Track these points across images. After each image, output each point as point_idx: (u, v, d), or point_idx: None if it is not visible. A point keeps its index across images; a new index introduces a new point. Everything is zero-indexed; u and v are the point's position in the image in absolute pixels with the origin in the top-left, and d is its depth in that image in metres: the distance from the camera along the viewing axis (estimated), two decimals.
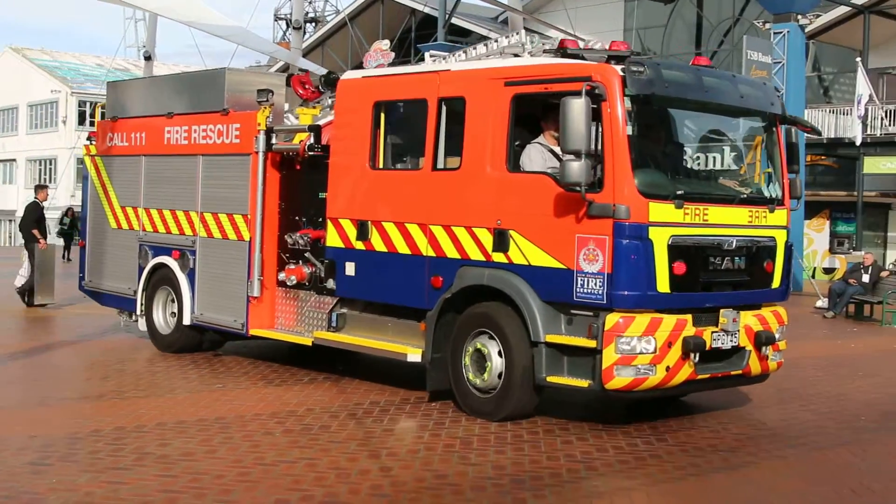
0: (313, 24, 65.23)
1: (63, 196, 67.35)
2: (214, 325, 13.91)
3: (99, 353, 14.91)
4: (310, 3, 67.61)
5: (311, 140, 12.61)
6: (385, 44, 41.85)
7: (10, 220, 75.56)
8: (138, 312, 14.96)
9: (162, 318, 14.74)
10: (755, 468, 9.19)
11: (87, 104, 69.81)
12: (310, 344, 12.48)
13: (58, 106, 71.50)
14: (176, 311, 14.40)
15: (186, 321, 14.12)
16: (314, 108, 13.76)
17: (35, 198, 21.59)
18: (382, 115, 11.85)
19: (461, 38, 44.20)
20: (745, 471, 9.08)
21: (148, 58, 43.46)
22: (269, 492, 7.83)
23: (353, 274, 11.97)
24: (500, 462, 8.92)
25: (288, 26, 56.38)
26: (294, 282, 12.74)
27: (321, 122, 13.03)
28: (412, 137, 11.72)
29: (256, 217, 13.12)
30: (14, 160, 76.97)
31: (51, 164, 72.23)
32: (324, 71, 38.30)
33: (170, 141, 14.50)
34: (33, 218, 21.14)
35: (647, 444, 9.75)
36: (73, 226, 38.84)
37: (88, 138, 16.36)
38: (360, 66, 41.15)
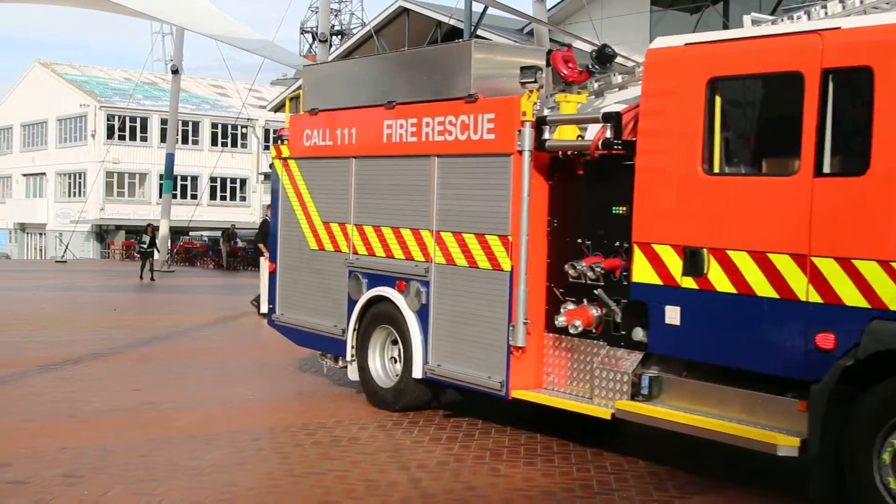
0: (339, 36, 65.54)
1: (93, 210, 67.87)
2: (458, 382, 10.58)
3: (131, 364, 14.95)
4: (336, 16, 68.02)
5: (608, 134, 9.36)
6: None
7: (41, 234, 76.12)
8: (347, 357, 11.95)
9: (380, 367, 11.70)
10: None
11: (116, 118, 70.36)
12: (608, 417, 9.17)
13: (86, 120, 72.00)
14: (400, 357, 11.39)
15: (416, 374, 10.93)
16: (579, 93, 10.63)
17: (266, 215, 22.14)
18: (719, 98, 8.65)
19: None
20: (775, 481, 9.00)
21: (175, 71, 43.89)
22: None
23: (676, 323, 8.75)
24: (531, 474, 8.87)
25: (314, 39, 56.70)
26: (579, 328, 9.55)
27: (620, 111, 9.75)
28: (773, 128, 8.72)
29: (521, 239, 9.89)
30: (44, 174, 77.55)
31: (80, 177, 72.71)
32: None
33: (391, 138, 11.39)
34: (263, 232, 21.93)
35: (678, 455, 9.68)
36: (152, 244, 36.54)
37: (277, 138, 13.46)
38: None
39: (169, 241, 44.65)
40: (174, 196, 49.32)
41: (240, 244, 47.66)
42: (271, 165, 13.59)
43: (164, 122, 62.98)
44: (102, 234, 71.63)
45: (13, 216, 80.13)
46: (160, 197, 50.64)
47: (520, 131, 9.88)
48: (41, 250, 76.35)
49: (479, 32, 42.39)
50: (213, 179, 70.37)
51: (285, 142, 13.17)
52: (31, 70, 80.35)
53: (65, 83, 75.17)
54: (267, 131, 75.88)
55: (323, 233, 12.49)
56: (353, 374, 12.00)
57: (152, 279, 35.11)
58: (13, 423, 10.49)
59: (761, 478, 9.03)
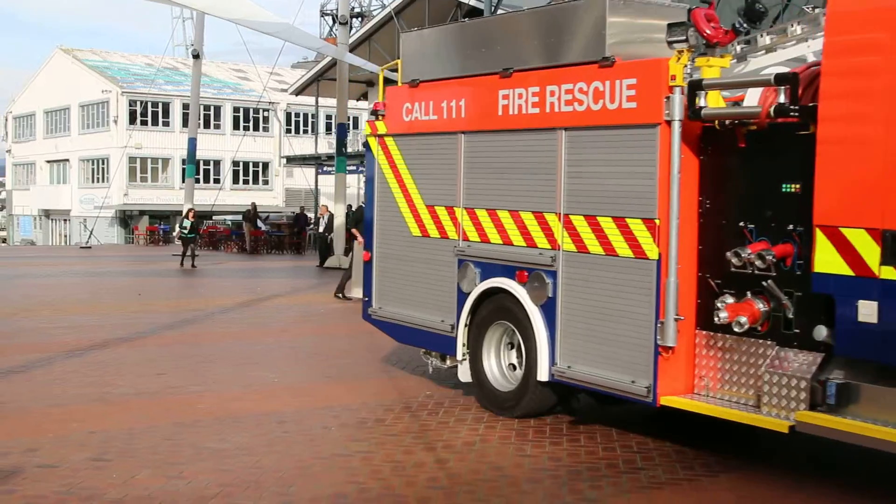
0: (359, 18, 65.36)
1: (117, 195, 68.14)
2: (593, 386, 9.30)
3: (154, 348, 15.03)
4: None
5: (781, 99, 8.07)
6: None
7: (66, 220, 76.50)
8: (458, 356, 10.78)
9: (496, 367, 10.57)
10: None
11: (138, 103, 70.56)
12: (785, 431, 7.90)
13: (109, 106, 72.24)
14: (519, 358, 10.30)
15: (542, 376, 9.72)
16: (722, 56, 9.18)
17: (362, 202, 22.04)
18: None
19: None
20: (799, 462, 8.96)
21: (196, 56, 43.94)
22: (326, 485, 7.82)
23: (872, 321, 7.43)
24: (557, 453, 8.87)
25: (334, 22, 56.53)
26: (744, 326, 8.28)
27: (795, 70, 8.46)
28: None
29: (671, 223, 8.64)
30: (67, 160, 77.92)
31: (103, 163, 72.99)
32: (372, 67, 38.37)
33: (508, 110, 10.17)
34: (356, 217, 21.85)
35: (707, 434, 9.64)
36: (193, 229, 35.09)
37: (373, 112, 12.15)
38: None
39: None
40: (197, 180, 49.47)
41: (263, 227, 47.71)
42: (365, 144, 12.32)
43: (185, 106, 63.16)
44: (126, 219, 71.94)
45: (38, 203, 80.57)
46: (183, 181, 50.82)
47: (668, 98, 8.58)
48: (66, 236, 76.73)
49: (500, 12, 42.30)
50: (235, 163, 70.58)
51: (381, 117, 11.94)
52: (52, 57, 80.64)
53: (86, 69, 75.39)
54: (288, 114, 76.08)
55: (427, 218, 11.27)
56: (464, 374, 10.80)
57: (193, 265, 33.80)
58: (41, 408, 10.55)
59: (784, 456, 8.99)
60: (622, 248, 8.96)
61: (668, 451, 9.01)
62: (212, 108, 74.08)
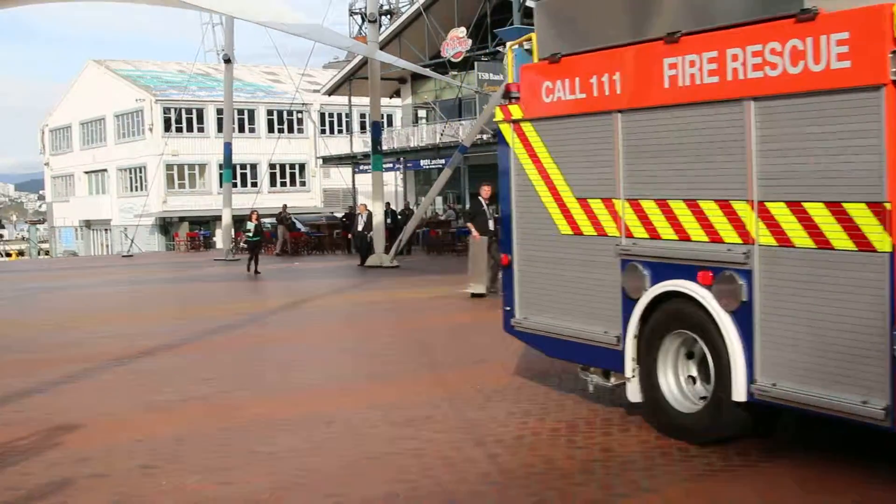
0: (388, 16, 65.32)
1: (155, 203, 68.55)
2: (808, 407, 7.72)
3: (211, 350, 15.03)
4: None
5: None
6: (462, 31, 42.25)
7: (106, 230, 77.08)
8: (627, 372, 9.28)
9: (675, 385, 9.07)
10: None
11: (172, 110, 71.01)
12: None
13: (143, 114, 72.74)
14: (702, 372, 8.89)
15: (739, 395, 8.20)
16: None
17: (479, 195, 21.87)
18: None
19: None
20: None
21: (227, 60, 44.04)
22: (376, 485, 7.77)
23: None
24: (608, 444, 8.77)
25: (363, 20, 56.48)
26: None
27: None
28: None
29: None
30: (105, 170, 78.56)
31: (140, 171, 73.49)
32: (403, 63, 38.19)
33: (676, 81, 8.64)
34: (471, 212, 21.83)
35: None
36: (258, 232, 34.08)
37: (505, 94, 10.61)
38: (437, 56, 40.92)
39: (232, 230, 44.91)
40: (234, 185, 49.63)
41: (302, 229, 47.76)
42: (497, 132, 10.80)
43: (219, 111, 63.45)
44: (166, 226, 72.41)
45: (78, 214, 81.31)
46: (221, 186, 50.92)
47: (894, 53, 7.03)
48: (107, 246, 77.37)
49: (529, 4, 42.15)
50: (271, 166, 70.82)
51: (515, 100, 10.42)
52: (85, 69, 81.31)
53: (119, 79, 75.95)
54: (322, 115, 76.22)
55: (579, 212, 9.75)
56: (633, 394, 9.31)
57: (257, 272, 32.46)
58: (89, 418, 10.56)
59: (843, 445, 8.83)
60: (840, 240, 7.41)
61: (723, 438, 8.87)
62: (245, 111, 74.41)
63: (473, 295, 21.38)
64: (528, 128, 10.28)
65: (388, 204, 40.81)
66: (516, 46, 11.32)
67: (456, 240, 40.86)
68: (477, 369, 12.71)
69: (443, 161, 48.53)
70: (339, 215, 56.87)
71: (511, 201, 10.59)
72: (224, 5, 28.34)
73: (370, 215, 35.18)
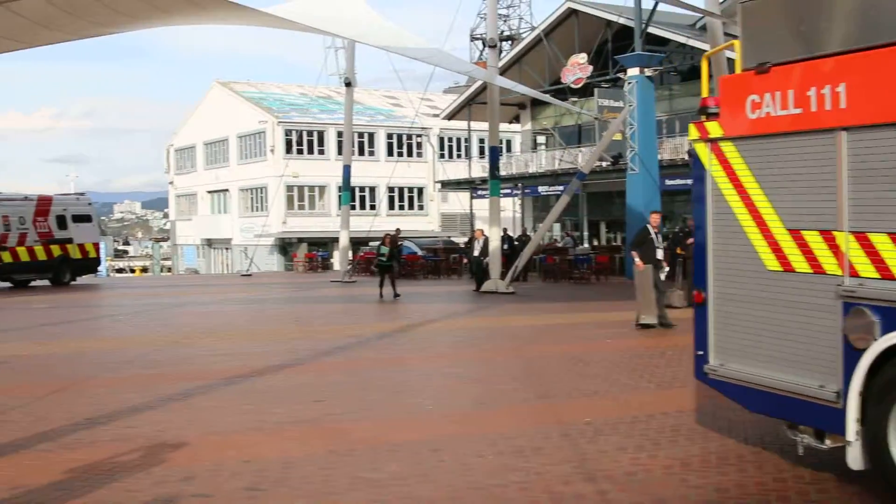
0: (509, 42, 65.48)
1: (275, 223, 69.59)
2: None
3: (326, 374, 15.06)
4: (504, 21, 68.04)
5: None
6: (582, 57, 42.06)
7: (227, 249, 78.49)
8: (849, 435, 7.84)
9: None
10: None
11: (293, 132, 72.06)
12: None
13: (265, 136, 73.98)
14: None
15: None
16: None
17: (647, 223, 20.94)
18: None
19: (659, 47, 43.44)
20: None
21: (349, 84, 44.56)
22: None
23: None
24: (724, 484, 8.45)
25: (484, 46, 56.70)
26: None
27: None
28: None
29: None
30: (227, 190, 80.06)
31: (261, 192, 74.70)
32: (522, 89, 38.16)
33: None
34: (638, 241, 20.93)
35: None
36: (393, 256, 32.54)
37: (701, 110, 9.39)
38: (557, 82, 40.80)
39: (350, 252, 45.30)
40: (353, 207, 50.12)
41: (418, 252, 47.95)
42: (691, 152, 9.75)
43: (340, 134, 64.21)
44: (285, 246, 73.41)
45: (200, 232, 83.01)
46: (339, 208, 51.43)
47: None
48: (227, 264, 78.77)
49: (650, 30, 41.76)
50: (390, 189, 71.38)
51: (713, 116, 9.26)
52: (210, 90, 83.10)
53: (243, 101, 77.43)
54: (441, 139, 76.57)
55: (790, 246, 8.45)
56: (855, 460, 7.83)
57: (396, 295, 31.28)
58: (198, 436, 10.61)
59: None
60: None
61: (844, 483, 8.48)
62: (366, 135, 75.14)
63: (643, 326, 20.52)
64: (728, 148, 9.06)
65: (505, 230, 40.66)
66: (713, 55, 9.97)
67: (573, 267, 40.54)
68: (589, 401, 12.47)
69: (561, 187, 48.27)
70: (456, 240, 57.04)
71: (707, 231, 9.28)
72: (347, 29, 28.61)
73: (487, 240, 35.11)
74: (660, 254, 20.70)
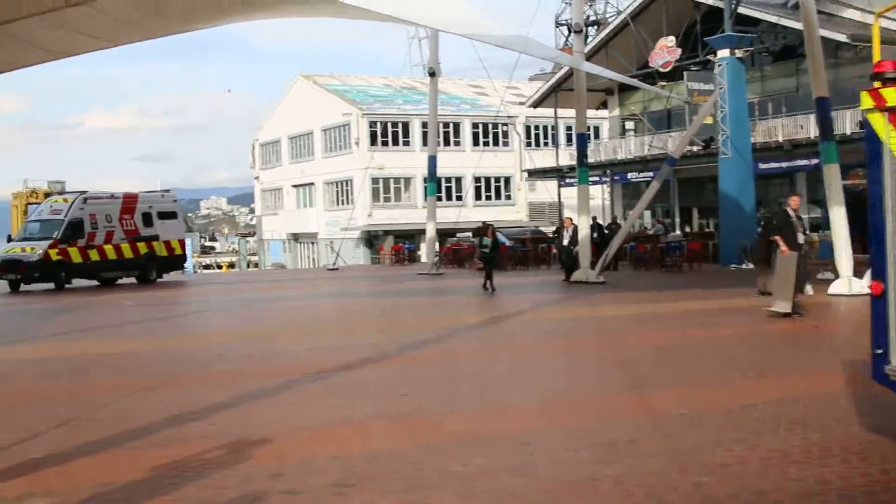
0: (595, 26, 64.94)
1: (361, 216, 69.98)
2: None
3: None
4: (590, 5, 67.44)
5: None
6: (671, 40, 41.60)
7: (313, 243, 79.14)
8: None
9: None
10: None
11: (378, 124, 72.32)
12: None
13: (350, 128, 74.39)
14: None
15: None
16: None
17: (787, 206, 20.62)
18: None
19: (750, 27, 42.76)
20: None
21: (433, 73, 44.60)
22: None
23: None
24: (825, 476, 8.24)
25: (569, 31, 56.29)
26: None
27: None
28: None
29: None
30: (312, 184, 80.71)
31: (347, 185, 75.13)
32: (610, 74, 37.81)
33: None
34: (777, 225, 20.66)
35: None
36: (495, 247, 31.95)
37: (874, 75, 8.58)
38: (645, 66, 40.21)
39: (437, 244, 45.34)
40: (439, 198, 50.17)
41: (507, 243, 47.88)
42: (863, 123, 8.78)
43: (424, 125, 64.23)
44: (371, 239, 73.80)
45: (286, 227, 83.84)
46: (425, 200, 51.53)
47: None
48: (314, 259, 79.45)
49: (741, 10, 41.13)
50: (476, 179, 71.35)
51: (891, 82, 8.44)
52: (294, 83, 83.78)
53: (327, 93, 77.94)
54: (527, 127, 76.34)
55: None
56: None
57: (493, 289, 30.46)
58: (286, 432, 10.67)
59: None
60: None
61: None
62: (451, 124, 75.15)
63: (777, 314, 19.74)
64: None
65: (594, 218, 40.42)
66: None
67: (664, 255, 40.14)
68: (683, 391, 12.30)
69: (651, 174, 47.84)
70: (545, 229, 56.82)
71: (885, 212, 8.35)
72: (430, 19, 28.59)
73: (576, 229, 34.90)
74: (801, 238, 20.16)
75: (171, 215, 45.53)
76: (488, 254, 31.67)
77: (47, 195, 59.87)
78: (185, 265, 53.65)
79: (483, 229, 32.48)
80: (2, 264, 40.46)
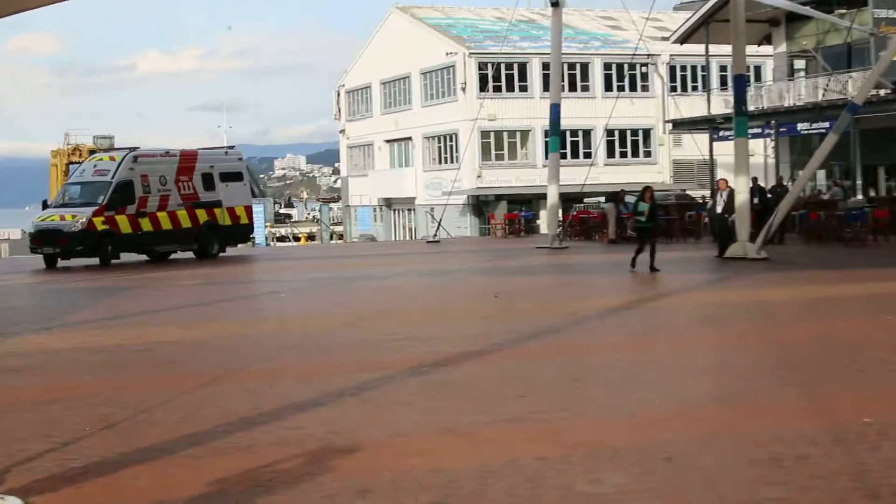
0: None
1: (468, 178, 70.10)
2: None
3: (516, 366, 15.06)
4: None
5: None
6: None
7: (410, 210, 79.54)
8: None
9: None
10: None
11: (489, 66, 72.15)
12: None
13: (455, 71, 74.51)
14: None
15: None
16: None
17: None
18: None
19: None
20: None
21: (555, 4, 44.37)
22: None
23: None
24: None
25: None
26: None
27: None
28: None
29: None
30: (409, 138, 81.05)
31: (450, 140, 75.29)
32: (777, 0, 37.06)
33: None
34: None
35: None
36: (652, 216, 30.50)
37: None
38: None
39: (560, 212, 45.23)
40: (563, 155, 50.12)
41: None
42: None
43: (545, 66, 64.00)
44: (480, 206, 73.90)
45: (377, 191, 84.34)
46: (546, 158, 51.43)
47: None
48: (410, 229, 79.87)
49: None
50: (609, 132, 70.86)
51: None
52: (388, 18, 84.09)
53: (427, 29, 78.15)
54: (672, 68, 75.67)
55: None
56: None
57: (654, 269, 29.65)
58: (377, 439, 10.68)
59: None
60: None
61: None
62: (578, 66, 74.89)
63: None
64: None
65: (754, 179, 39.91)
66: None
67: (844, 225, 39.49)
68: (868, 396, 12.06)
69: (826, 124, 47.06)
70: (693, 193, 56.31)
71: None
72: None
73: (731, 194, 34.48)
74: None
75: (235, 177, 45.86)
76: (644, 223, 30.59)
77: (92, 153, 60.94)
78: (254, 237, 54.01)
79: (641, 193, 31.54)
80: (37, 235, 41.09)
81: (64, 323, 21.80)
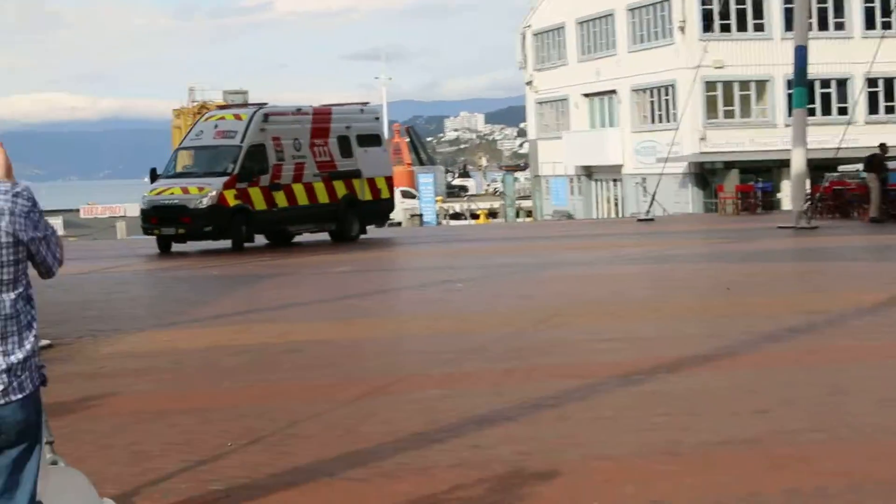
0: None
1: (689, 141, 69.55)
2: None
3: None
4: None
5: None
6: None
7: (615, 181, 79.31)
8: None
9: None
10: None
11: (714, 1, 71.39)
12: None
13: (670, 6, 73.88)
14: None
15: None
16: None
17: None
18: None
19: None
20: None
21: None
22: None
23: None
24: None
25: None
26: None
27: None
28: None
29: None
30: (613, 92, 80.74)
31: (666, 93, 74.83)
32: None
33: None
34: None
35: None
36: None
37: None
38: None
39: (808, 183, 44.61)
40: (811, 112, 49.42)
41: None
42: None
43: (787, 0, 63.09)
44: (704, 175, 73.24)
45: (574, 157, 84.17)
46: (789, 115, 50.81)
47: None
48: (617, 203, 79.58)
49: None
50: (870, 82, 69.56)
51: None
52: None
53: None
54: None
55: None
56: None
57: None
58: (578, 462, 10.73)
59: None
60: None
61: None
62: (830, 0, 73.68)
63: None
64: None
65: None
66: None
67: None
68: None
69: None
70: None
71: None
72: None
73: None
74: None
75: (373, 140, 44.90)
76: None
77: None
78: (391, 216, 51.54)
79: None
80: (152, 212, 40.04)
81: (195, 317, 22.26)
